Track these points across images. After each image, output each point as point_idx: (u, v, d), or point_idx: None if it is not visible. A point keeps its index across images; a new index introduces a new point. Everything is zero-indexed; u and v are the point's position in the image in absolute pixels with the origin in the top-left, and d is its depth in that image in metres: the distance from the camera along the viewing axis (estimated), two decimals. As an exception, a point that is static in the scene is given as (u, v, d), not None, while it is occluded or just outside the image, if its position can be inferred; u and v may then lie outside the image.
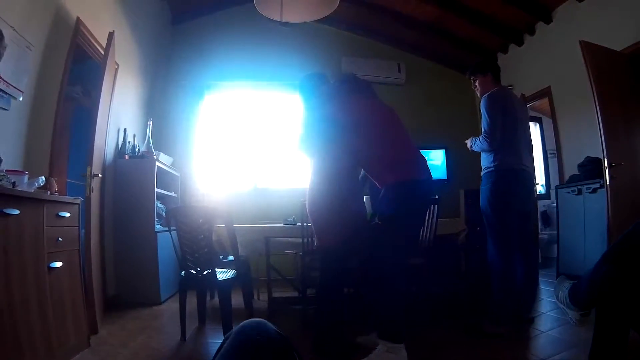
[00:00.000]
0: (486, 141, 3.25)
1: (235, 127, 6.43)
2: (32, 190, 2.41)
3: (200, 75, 6.24)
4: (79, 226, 2.86)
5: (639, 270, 1.58)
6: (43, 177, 2.58)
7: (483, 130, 3.28)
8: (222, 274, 3.34)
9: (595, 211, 4.35)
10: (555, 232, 5.23)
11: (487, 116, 3.25)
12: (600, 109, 3.99)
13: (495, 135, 3.21)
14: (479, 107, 3.37)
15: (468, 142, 3.57)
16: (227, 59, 6.27)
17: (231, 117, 6.47)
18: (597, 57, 4.13)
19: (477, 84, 3.56)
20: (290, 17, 3.87)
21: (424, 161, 2.89)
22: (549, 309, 3.68)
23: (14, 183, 2.23)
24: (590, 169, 4.55)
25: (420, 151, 2.97)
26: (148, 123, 4.94)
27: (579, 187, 4.71)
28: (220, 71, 6.27)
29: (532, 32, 5.92)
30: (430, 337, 3.20)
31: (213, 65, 6.25)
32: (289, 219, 4.27)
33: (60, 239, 2.55)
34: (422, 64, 7.10)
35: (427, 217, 3.57)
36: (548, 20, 5.55)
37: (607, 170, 3.95)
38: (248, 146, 6.32)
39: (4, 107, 2.65)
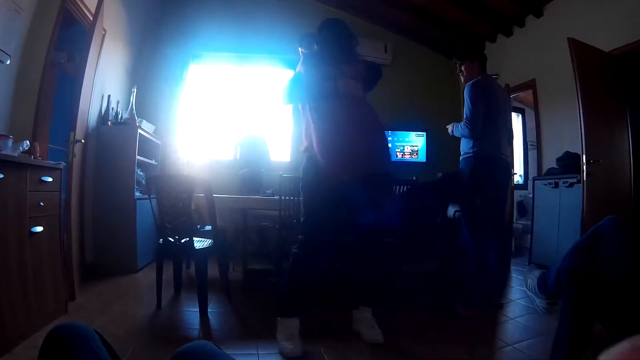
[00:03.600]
0: (467, 128, 3.30)
1: (219, 97, 6.41)
2: (16, 155, 2.40)
3: (187, 44, 6.17)
4: (60, 191, 2.85)
5: (606, 264, 1.63)
6: (27, 142, 2.56)
7: (465, 116, 3.33)
8: (200, 243, 3.36)
9: (570, 205, 4.45)
10: (530, 222, 5.35)
11: (470, 103, 3.29)
12: (582, 106, 4.05)
13: (477, 123, 3.26)
14: (462, 93, 3.41)
15: (449, 127, 3.62)
16: (215, 30, 6.19)
17: (215, 87, 6.45)
18: (584, 55, 4.18)
19: (462, 68, 3.58)
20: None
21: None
22: (519, 297, 3.76)
23: (-2, 147, 2.23)
24: (569, 163, 4.64)
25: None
26: (132, 90, 4.88)
27: (556, 180, 4.80)
28: (208, 41, 6.19)
29: (521, 24, 5.94)
30: (403, 317, 3.28)
31: (201, 35, 6.16)
32: (267, 191, 4.30)
33: (42, 203, 2.55)
34: (410, 46, 7.10)
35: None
36: (539, 14, 5.58)
37: (584, 166, 4.03)
38: (230, 117, 6.31)
39: (-11, 70, 2.61)
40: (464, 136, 3.42)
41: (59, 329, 0.96)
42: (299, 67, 2.84)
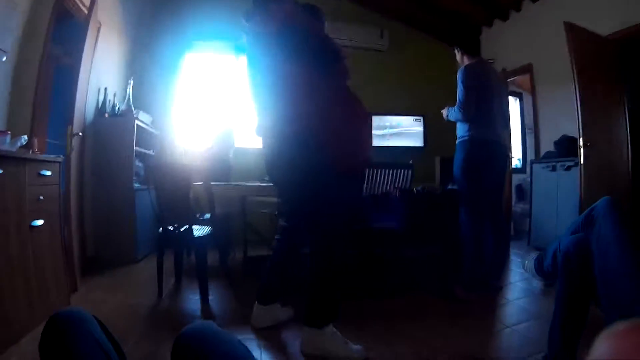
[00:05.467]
0: (460, 111, 3.32)
1: (215, 86, 6.39)
2: (15, 150, 2.41)
3: (183, 33, 6.13)
4: (59, 185, 2.86)
5: (598, 244, 1.65)
6: (25, 136, 2.57)
7: (458, 100, 3.35)
8: (199, 231, 3.38)
9: (567, 188, 4.48)
10: (529, 206, 5.38)
11: (462, 87, 3.31)
12: (579, 90, 4.07)
13: (470, 107, 3.28)
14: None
15: (444, 111, 3.63)
16: (211, 18, 6.16)
17: (212, 76, 6.42)
18: (580, 39, 4.18)
19: (458, 53, 3.60)
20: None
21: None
22: (518, 279, 3.79)
23: (-4, 143, 2.24)
24: (566, 147, 4.66)
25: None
26: (129, 82, 4.87)
27: (553, 163, 4.82)
28: (203, 30, 6.17)
29: (518, 9, 5.92)
30: (403, 300, 3.31)
31: (197, 23, 6.13)
32: (265, 178, 4.31)
33: (41, 197, 2.56)
34: (406, 32, 7.07)
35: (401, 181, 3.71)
36: (535, -3, 5.56)
37: (582, 150, 4.05)
38: (227, 106, 6.28)
39: (-13, 67, 2.61)
40: (458, 120, 3.44)
41: (58, 315, 0.97)
42: None
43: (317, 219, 2.38)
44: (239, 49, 2.50)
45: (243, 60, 2.47)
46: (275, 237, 2.75)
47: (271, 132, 2.48)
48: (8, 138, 2.40)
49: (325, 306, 2.31)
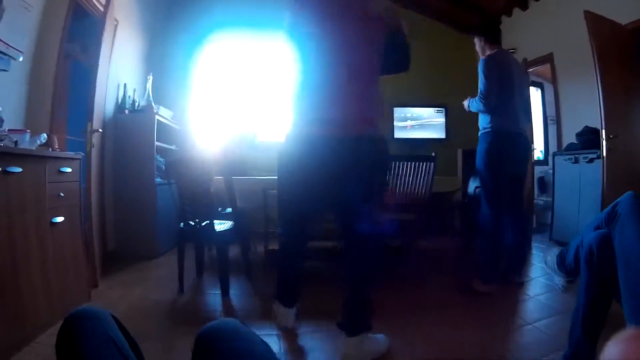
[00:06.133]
0: (481, 102, 3.28)
1: (235, 79, 6.36)
2: (34, 148, 2.44)
3: (200, 26, 6.16)
4: (79, 181, 2.89)
5: (621, 239, 1.61)
6: (44, 134, 2.60)
7: (479, 91, 3.30)
8: (220, 226, 3.40)
9: (590, 181, 4.40)
10: (551, 198, 5.30)
11: (483, 78, 3.27)
12: (600, 80, 3.97)
13: (491, 97, 3.24)
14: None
15: (465, 102, 3.59)
16: (227, 7, 6.17)
17: (231, 68, 6.38)
18: (600, 28, 4.09)
19: (476, 45, 3.56)
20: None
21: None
22: (539, 275, 3.75)
23: (16, 142, 2.26)
24: (588, 139, 4.57)
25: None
26: (148, 77, 4.91)
27: (576, 155, 4.74)
28: (220, 21, 6.17)
29: (537, -3, 5.82)
30: (422, 295, 3.29)
31: (214, 14, 6.14)
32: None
33: (61, 194, 2.59)
34: (425, 22, 7.00)
35: (423, 174, 3.66)
36: (555, -15, 5.45)
37: (604, 142, 3.97)
38: (248, 98, 6.27)
39: (4, 68, 2.65)
40: (479, 111, 3.40)
41: (74, 315, 0.98)
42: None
43: (370, 232, 2.19)
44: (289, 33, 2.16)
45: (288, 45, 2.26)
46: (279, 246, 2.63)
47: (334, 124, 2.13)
48: (27, 136, 2.44)
49: (368, 315, 2.26)
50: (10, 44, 2.64)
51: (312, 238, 2.93)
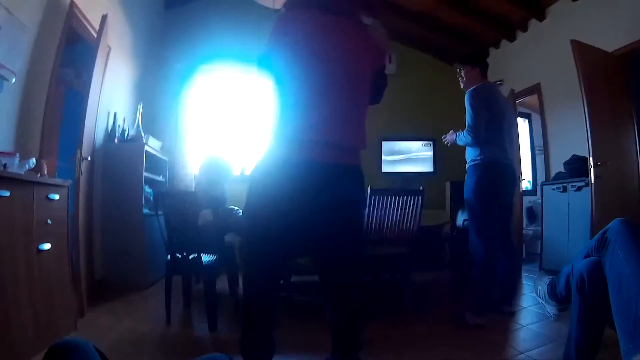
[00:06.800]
0: (470, 135, 3.28)
1: (224, 112, 6.41)
2: (23, 172, 2.41)
3: (191, 59, 6.21)
4: (67, 209, 2.86)
5: (612, 266, 1.61)
6: (34, 159, 2.58)
7: (467, 125, 3.31)
8: (208, 258, 3.37)
9: (579, 209, 4.42)
10: (540, 228, 5.31)
11: (471, 111, 3.27)
12: (588, 108, 4.04)
13: (480, 130, 3.25)
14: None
15: (449, 136, 3.62)
16: (218, 44, 6.22)
17: (221, 102, 6.45)
18: (587, 57, 4.17)
19: (463, 74, 3.56)
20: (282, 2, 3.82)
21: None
22: (531, 304, 3.73)
23: (4, 164, 2.23)
24: (576, 167, 4.61)
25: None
26: (138, 107, 4.92)
27: (564, 184, 4.78)
28: (211, 55, 6.23)
29: (524, 29, 5.96)
30: (414, 327, 3.25)
31: (204, 49, 6.20)
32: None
33: (49, 221, 2.56)
34: (414, 55, 7.14)
35: (411, 208, 3.64)
36: (541, 17, 5.59)
37: (592, 169, 4.01)
38: (237, 131, 6.31)
39: (-4, 88, 2.63)
40: (467, 144, 3.41)
41: (56, 346, 0.96)
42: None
43: (357, 262, 2.12)
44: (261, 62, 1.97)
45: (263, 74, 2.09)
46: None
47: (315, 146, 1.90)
48: (16, 160, 2.40)
49: (357, 350, 2.08)
50: (4, 64, 2.62)
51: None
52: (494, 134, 3.31)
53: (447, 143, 3.68)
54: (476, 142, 3.29)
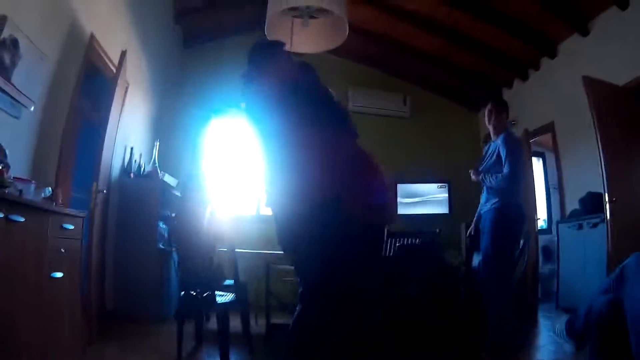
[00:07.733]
0: (507, 182, 3.31)
1: (240, 152, 6.47)
2: (39, 200, 2.44)
3: (208, 98, 6.34)
4: (81, 239, 2.87)
5: (630, 302, 1.58)
6: (49, 188, 2.61)
7: (509, 172, 3.30)
8: (221, 297, 3.34)
9: (595, 246, 4.35)
10: (556, 266, 5.22)
11: (512, 157, 3.31)
12: (602, 144, 4.04)
13: (520, 180, 3.31)
14: (482, 142, 3.44)
15: (479, 176, 3.60)
16: (235, 85, 6.31)
17: (236, 142, 6.54)
18: (599, 92, 4.19)
19: (493, 116, 3.58)
20: (300, 47, 3.90)
21: None
22: (547, 342, 3.68)
23: (20, 191, 2.26)
24: (592, 203, 4.56)
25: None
26: (155, 143, 5.00)
27: (580, 222, 4.73)
28: (227, 96, 6.30)
29: (536, 67, 5.99)
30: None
31: (221, 89, 6.25)
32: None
33: (62, 250, 2.56)
34: (428, 97, 7.20)
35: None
36: (553, 55, 5.63)
37: (607, 206, 3.97)
38: (252, 172, 6.32)
39: (15, 115, 2.67)
40: (500, 188, 3.40)
41: None
42: None
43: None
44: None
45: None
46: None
47: (290, 200, 2.17)
48: (32, 187, 2.42)
49: None
50: (24, 92, 2.67)
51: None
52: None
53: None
54: (512, 188, 3.34)
